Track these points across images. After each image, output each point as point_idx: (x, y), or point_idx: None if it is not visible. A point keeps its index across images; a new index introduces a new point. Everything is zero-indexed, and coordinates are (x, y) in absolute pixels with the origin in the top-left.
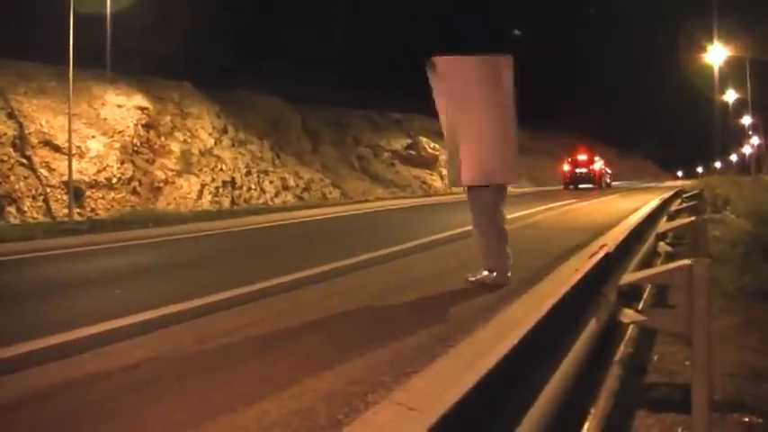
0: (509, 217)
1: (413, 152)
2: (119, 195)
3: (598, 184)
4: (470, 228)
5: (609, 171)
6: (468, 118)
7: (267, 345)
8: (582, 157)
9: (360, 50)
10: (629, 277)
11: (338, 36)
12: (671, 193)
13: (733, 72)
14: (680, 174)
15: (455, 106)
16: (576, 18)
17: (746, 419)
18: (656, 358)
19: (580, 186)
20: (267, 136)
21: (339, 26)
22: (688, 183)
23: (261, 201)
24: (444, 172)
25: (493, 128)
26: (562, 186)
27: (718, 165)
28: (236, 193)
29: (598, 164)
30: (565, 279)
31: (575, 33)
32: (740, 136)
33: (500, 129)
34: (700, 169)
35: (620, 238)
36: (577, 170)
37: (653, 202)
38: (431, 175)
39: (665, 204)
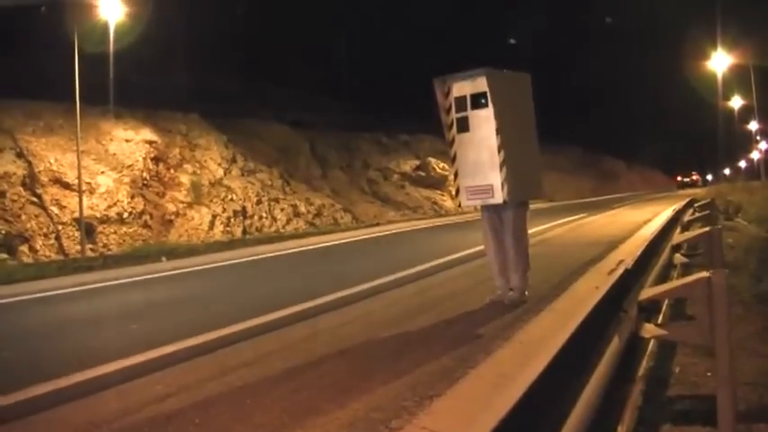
0: None
1: (422, 173)
2: (130, 230)
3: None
4: (483, 247)
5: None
6: (510, 133)
7: (288, 374)
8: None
9: (365, 74)
10: (648, 292)
11: (343, 60)
12: (683, 203)
13: (738, 78)
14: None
15: (502, 121)
16: (581, 28)
17: None
18: (677, 370)
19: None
20: (276, 163)
21: (343, 50)
22: (699, 191)
23: (272, 229)
24: (453, 191)
25: (526, 143)
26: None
27: (727, 171)
28: (248, 222)
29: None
30: (582, 295)
31: (579, 45)
32: (748, 142)
33: (530, 144)
34: (709, 177)
35: (636, 253)
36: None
37: (665, 212)
38: (441, 195)
39: (677, 215)
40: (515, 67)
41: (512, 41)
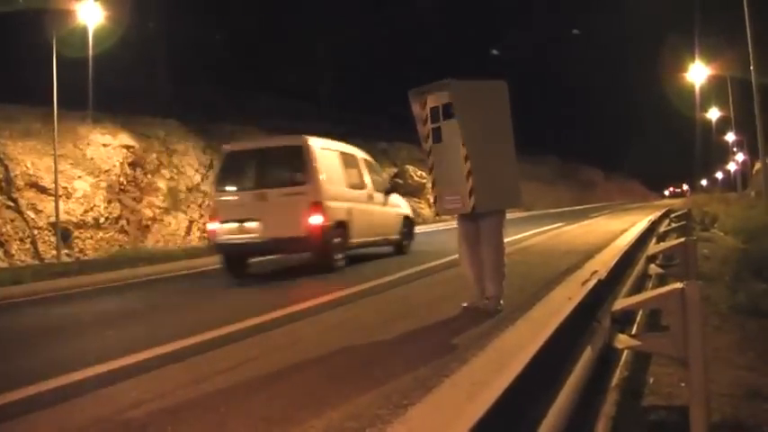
0: None
1: (400, 181)
2: (107, 235)
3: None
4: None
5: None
6: (478, 143)
7: (264, 382)
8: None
9: (344, 81)
10: (621, 303)
11: (322, 67)
12: (659, 213)
13: (716, 90)
14: (667, 193)
15: (467, 132)
16: (558, 40)
17: None
18: (651, 381)
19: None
20: None
21: (322, 58)
22: (675, 202)
23: None
24: (431, 199)
25: (499, 153)
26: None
27: (704, 182)
28: None
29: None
30: (557, 305)
31: (557, 55)
32: (725, 153)
33: (504, 153)
34: (686, 187)
35: (611, 263)
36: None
37: (641, 223)
38: (418, 202)
39: (653, 225)
40: (496, 77)
41: (494, 52)
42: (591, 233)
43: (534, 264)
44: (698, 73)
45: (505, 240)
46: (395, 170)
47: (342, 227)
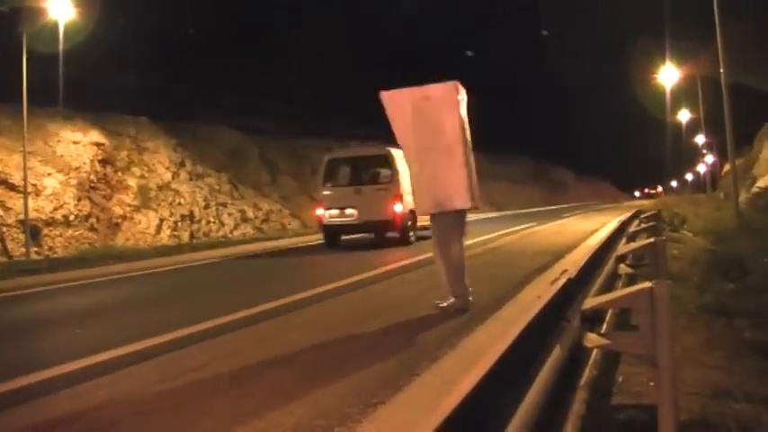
0: (470, 242)
1: None
2: (77, 232)
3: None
4: (431, 254)
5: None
6: (424, 146)
7: (233, 380)
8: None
9: (315, 80)
10: (591, 302)
11: (295, 67)
12: (629, 214)
13: (687, 92)
14: (637, 194)
15: (411, 136)
16: (531, 41)
17: None
18: (620, 380)
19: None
20: (225, 168)
21: (294, 57)
22: (646, 203)
23: (220, 234)
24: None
25: (449, 154)
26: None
27: (674, 184)
28: (195, 226)
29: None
30: (527, 304)
31: (530, 57)
32: (695, 155)
33: (456, 154)
34: (660, 188)
35: (581, 263)
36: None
37: (611, 223)
38: None
39: (623, 226)
40: (469, 80)
41: (468, 53)
42: (561, 233)
43: (505, 264)
44: (669, 75)
45: (475, 240)
46: None
47: (413, 214)
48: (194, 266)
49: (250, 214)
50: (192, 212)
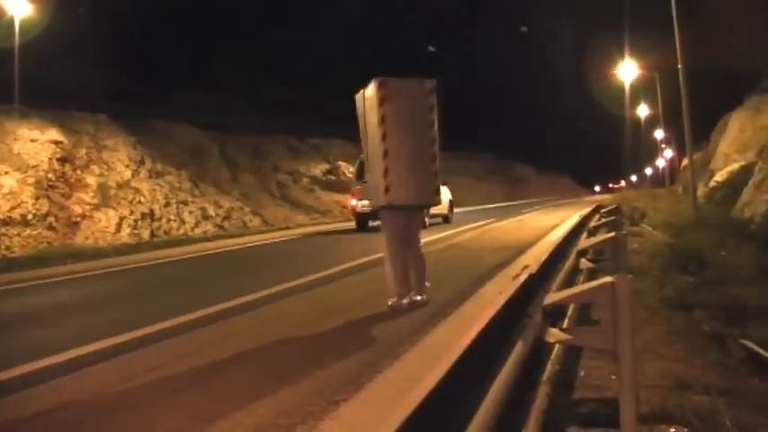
0: (430, 239)
1: (332, 177)
2: (35, 232)
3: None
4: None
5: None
6: (399, 140)
7: (193, 379)
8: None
9: (276, 76)
10: (552, 297)
11: (255, 63)
12: (590, 208)
13: (645, 88)
14: (597, 188)
15: (387, 127)
16: (495, 38)
17: (673, 430)
18: (582, 374)
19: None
20: (185, 166)
21: (254, 53)
22: (606, 197)
23: (181, 232)
24: None
25: (420, 149)
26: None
27: (633, 178)
28: (156, 224)
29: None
30: (489, 300)
31: (490, 53)
32: (654, 150)
33: (426, 150)
34: (623, 183)
35: (542, 258)
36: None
37: (572, 218)
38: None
39: (584, 220)
40: (427, 75)
41: (431, 49)
42: (522, 229)
43: (465, 260)
44: (627, 70)
45: (436, 237)
46: (327, 166)
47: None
48: (155, 265)
49: (211, 212)
50: (152, 211)
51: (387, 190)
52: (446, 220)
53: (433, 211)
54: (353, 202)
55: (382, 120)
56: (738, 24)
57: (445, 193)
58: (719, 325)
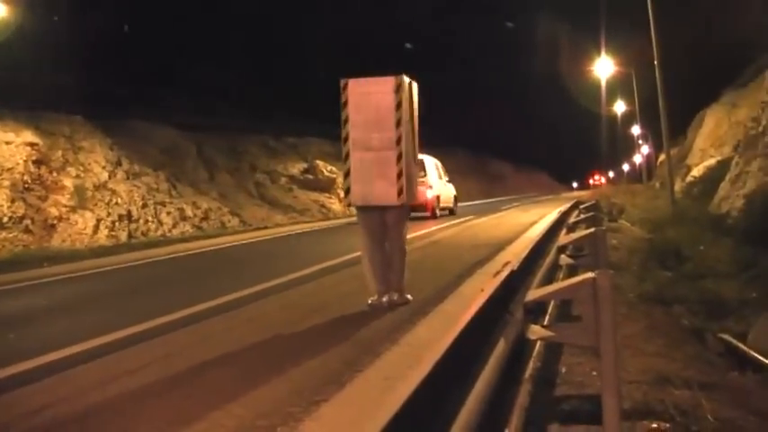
0: (409, 236)
1: (310, 176)
2: (10, 235)
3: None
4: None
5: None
6: (361, 141)
7: (172, 382)
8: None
9: (254, 76)
10: (534, 294)
11: (232, 63)
12: (568, 204)
13: (622, 84)
14: (575, 185)
15: (350, 128)
16: (471, 32)
17: (655, 425)
18: (564, 371)
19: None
20: (162, 167)
21: (231, 53)
22: (584, 193)
23: (159, 233)
24: (342, 195)
25: (384, 149)
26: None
27: (611, 174)
28: (133, 226)
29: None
30: (469, 298)
31: (467, 48)
32: (631, 146)
33: (392, 149)
34: (602, 179)
35: (523, 254)
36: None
37: (551, 214)
38: (329, 198)
39: (563, 217)
40: (399, 70)
41: (408, 46)
42: (501, 225)
43: (445, 257)
44: (604, 67)
45: (416, 234)
46: (305, 165)
47: (437, 198)
48: (133, 267)
49: (189, 213)
50: (129, 212)
51: (348, 191)
52: (452, 212)
53: (442, 204)
54: None
55: (345, 121)
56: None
57: (450, 189)
58: (698, 319)
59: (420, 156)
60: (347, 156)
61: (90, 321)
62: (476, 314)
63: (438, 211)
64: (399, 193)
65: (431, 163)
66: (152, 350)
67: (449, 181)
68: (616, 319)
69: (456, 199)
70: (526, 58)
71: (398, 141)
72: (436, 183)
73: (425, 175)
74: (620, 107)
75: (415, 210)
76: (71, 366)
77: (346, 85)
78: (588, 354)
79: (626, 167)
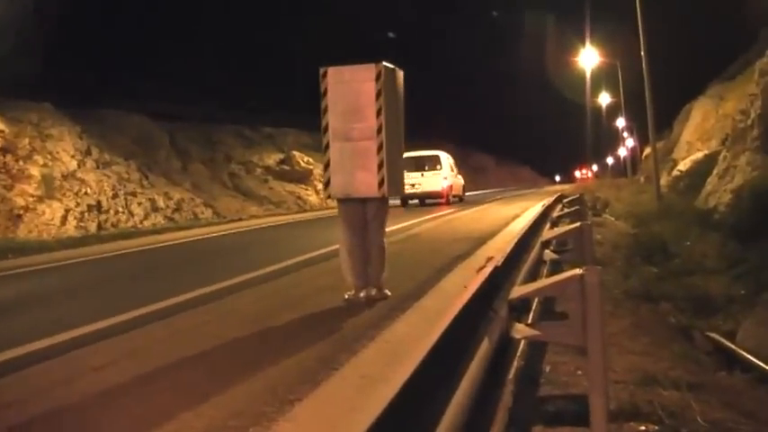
0: (388, 230)
1: (286, 167)
2: None
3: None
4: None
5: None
6: (340, 131)
7: (141, 379)
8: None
9: (229, 65)
10: (519, 290)
11: (206, 50)
12: (552, 198)
13: (607, 76)
14: (558, 178)
15: (329, 118)
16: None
17: (643, 428)
18: (548, 370)
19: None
20: (134, 156)
21: (206, 40)
22: (567, 187)
23: (129, 224)
24: (319, 187)
25: (364, 139)
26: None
27: (595, 168)
28: (103, 217)
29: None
30: (450, 294)
31: (445, 39)
32: (615, 139)
33: (373, 139)
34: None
35: (507, 249)
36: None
37: (534, 208)
38: (306, 189)
39: (547, 210)
40: (379, 60)
41: (390, 35)
42: (483, 219)
43: (424, 251)
44: (588, 58)
45: (393, 228)
46: (281, 156)
47: (450, 187)
48: (102, 259)
49: (161, 203)
50: (99, 202)
51: (328, 183)
52: (461, 199)
53: (453, 192)
54: None
55: (325, 111)
56: None
57: (460, 180)
58: (686, 317)
59: (435, 152)
60: (327, 146)
61: (58, 315)
62: (459, 312)
63: (451, 199)
64: (380, 184)
65: (445, 158)
66: (122, 345)
67: (458, 174)
68: (604, 317)
69: (464, 188)
70: (510, 50)
71: (379, 131)
72: (449, 175)
73: (441, 169)
74: (604, 99)
75: (431, 197)
76: (38, 362)
77: (326, 73)
78: (572, 352)
79: (610, 161)
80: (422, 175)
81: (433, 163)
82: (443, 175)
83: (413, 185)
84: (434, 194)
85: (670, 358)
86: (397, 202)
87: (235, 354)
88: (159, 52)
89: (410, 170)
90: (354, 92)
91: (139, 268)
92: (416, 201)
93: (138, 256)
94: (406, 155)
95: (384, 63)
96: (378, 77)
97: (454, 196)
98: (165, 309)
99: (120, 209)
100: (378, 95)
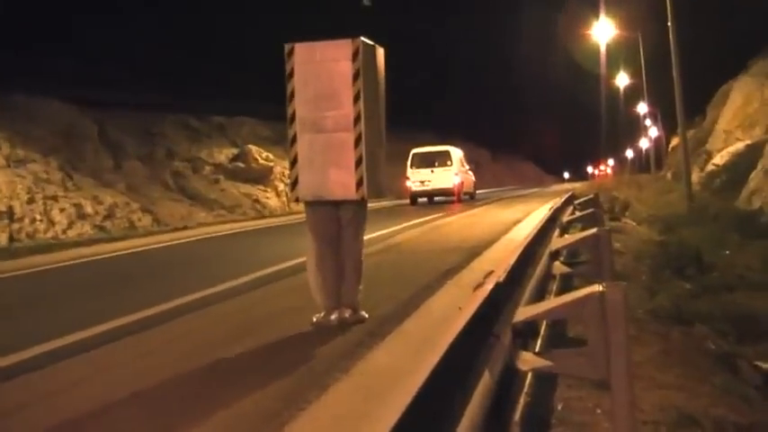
0: (366, 238)
1: (241, 164)
2: None
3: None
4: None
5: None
6: (310, 120)
7: (65, 425)
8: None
9: (171, 43)
10: (525, 312)
11: (142, 23)
12: (561, 200)
13: (624, 53)
14: (567, 175)
15: (296, 105)
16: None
17: None
18: (560, 407)
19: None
20: (55, 152)
21: (142, 11)
22: (578, 185)
23: (50, 234)
24: (281, 188)
25: (340, 130)
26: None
27: (611, 162)
28: (16, 226)
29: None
30: (439, 316)
31: (442, 27)
32: (635, 128)
33: (349, 130)
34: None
35: (510, 261)
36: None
37: (538, 211)
38: (264, 191)
39: (555, 214)
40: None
41: (365, 3)
42: (476, 225)
43: (408, 264)
44: (603, 30)
45: (371, 236)
46: (234, 151)
47: (462, 184)
48: (13, 277)
49: (88, 209)
50: (10, 208)
51: (295, 183)
52: (472, 197)
53: (464, 190)
54: (409, 183)
55: (291, 96)
56: None
57: (471, 177)
58: (727, 343)
59: (446, 147)
60: (293, 139)
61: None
62: (454, 339)
63: (462, 196)
64: (358, 185)
65: (456, 154)
66: (35, 387)
67: (469, 170)
68: (630, 344)
69: (475, 185)
70: (510, 28)
71: (357, 120)
72: (460, 172)
73: (452, 165)
74: (622, 80)
75: (442, 194)
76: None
77: (292, 50)
78: (588, 385)
79: (630, 154)
80: (432, 171)
81: (444, 159)
82: (454, 171)
83: (422, 182)
84: (445, 192)
85: (710, 393)
86: (398, 202)
87: (180, 392)
88: (83, 25)
89: (420, 167)
90: (327, 73)
91: (64, 289)
92: (425, 199)
93: (60, 273)
94: (414, 151)
95: (362, 38)
96: (355, 56)
97: (465, 193)
98: (93, 337)
99: (38, 216)
100: (355, 77)
